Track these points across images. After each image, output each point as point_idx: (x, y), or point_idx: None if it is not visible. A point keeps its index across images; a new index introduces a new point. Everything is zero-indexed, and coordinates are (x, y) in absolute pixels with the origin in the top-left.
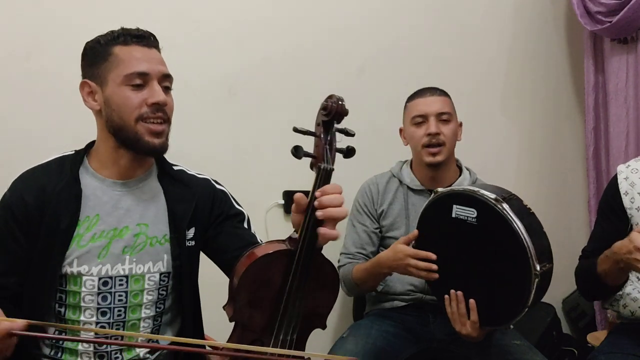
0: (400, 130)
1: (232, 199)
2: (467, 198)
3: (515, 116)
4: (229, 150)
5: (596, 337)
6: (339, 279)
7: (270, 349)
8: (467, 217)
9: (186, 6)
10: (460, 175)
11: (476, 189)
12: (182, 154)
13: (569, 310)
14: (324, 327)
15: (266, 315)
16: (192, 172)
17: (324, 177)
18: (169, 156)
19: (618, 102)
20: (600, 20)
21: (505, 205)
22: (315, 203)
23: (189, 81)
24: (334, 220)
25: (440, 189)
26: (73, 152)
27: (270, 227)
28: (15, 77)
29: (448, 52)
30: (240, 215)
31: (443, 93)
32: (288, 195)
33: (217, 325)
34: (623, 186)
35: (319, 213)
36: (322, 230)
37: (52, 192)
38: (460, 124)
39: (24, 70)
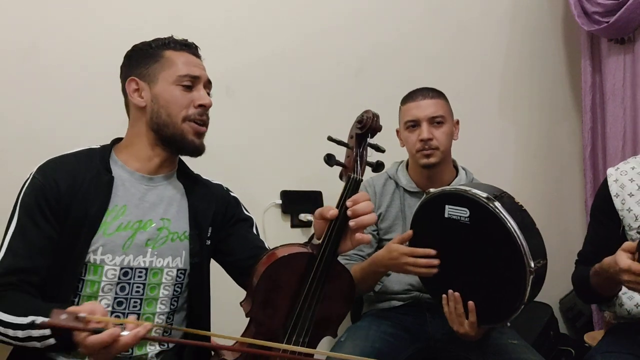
0: (397, 131)
1: (242, 206)
2: (459, 198)
3: (512, 116)
4: (226, 150)
5: (593, 337)
6: (355, 289)
7: (289, 347)
8: (460, 216)
9: (183, 6)
10: (456, 176)
11: (468, 188)
12: None
13: (566, 310)
14: (335, 335)
15: (281, 316)
16: (206, 177)
17: (352, 187)
18: None
19: (615, 102)
20: (597, 20)
21: (497, 204)
22: (349, 212)
23: None
24: (363, 227)
25: (432, 190)
26: (98, 146)
27: (268, 227)
28: (14, 76)
29: (445, 52)
30: (249, 221)
31: (436, 94)
32: (285, 195)
33: (224, 326)
34: (613, 189)
35: (352, 223)
36: (359, 236)
37: (84, 179)
38: (457, 122)
39: (23, 68)
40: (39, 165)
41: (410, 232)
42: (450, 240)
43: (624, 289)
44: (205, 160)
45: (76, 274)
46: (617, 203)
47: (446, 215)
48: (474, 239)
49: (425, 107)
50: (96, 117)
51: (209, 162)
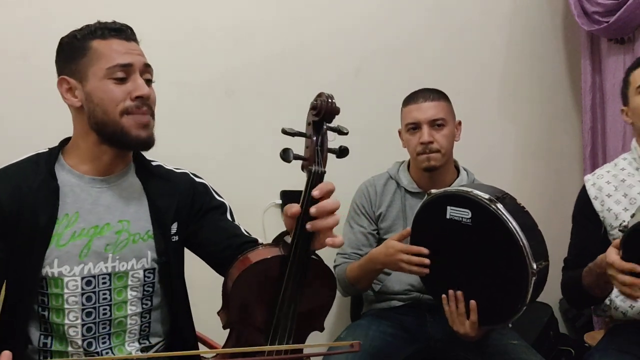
0: (399, 131)
1: (212, 191)
2: (461, 199)
3: (512, 116)
4: (226, 150)
5: (593, 337)
6: (336, 281)
7: (269, 347)
8: (462, 218)
9: (183, 6)
10: (457, 177)
11: (469, 189)
12: (179, 154)
13: (566, 310)
14: (321, 329)
15: (261, 321)
16: (170, 167)
17: (315, 180)
18: (165, 155)
19: (615, 102)
20: (597, 20)
21: (499, 205)
22: (312, 210)
23: (185, 81)
24: (329, 229)
25: (433, 191)
26: (47, 149)
27: (268, 227)
28: (11, 77)
29: (445, 53)
30: (222, 207)
31: (437, 96)
32: (286, 195)
33: (211, 327)
34: (592, 192)
35: (308, 226)
36: (329, 240)
37: (29, 190)
38: (459, 123)
39: (20, 69)
40: None
41: (408, 229)
42: (452, 241)
43: (614, 292)
44: (205, 160)
45: (34, 289)
46: (596, 205)
47: (448, 216)
48: (476, 241)
49: (426, 110)
50: None
51: (209, 162)
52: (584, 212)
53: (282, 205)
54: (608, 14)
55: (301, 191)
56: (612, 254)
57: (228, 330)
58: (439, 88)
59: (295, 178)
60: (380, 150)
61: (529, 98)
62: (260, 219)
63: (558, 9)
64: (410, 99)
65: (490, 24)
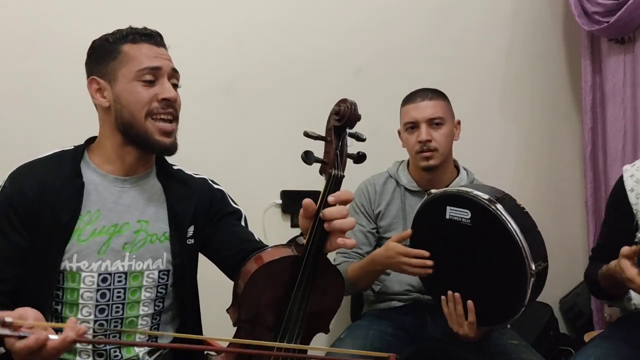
0: (399, 131)
1: (229, 198)
2: (461, 199)
3: (513, 116)
4: (226, 150)
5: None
6: (344, 283)
7: (280, 344)
8: (461, 218)
9: (185, 7)
10: (457, 176)
11: (469, 189)
12: (179, 154)
13: (566, 310)
14: (327, 331)
15: (271, 321)
16: (189, 172)
17: (334, 184)
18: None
19: (615, 102)
20: (597, 20)
21: (499, 206)
22: (321, 215)
23: (186, 81)
24: (342, 231)
25: (433, 191)
26: (72, 147)
27: (268, 227)
28: (11, 77)
29: (446, 53)
30: (237, 213)
31: (435, 95)
32: (286, 195)
33: (217, 327)
34: (629, 183)
35: (325, 225)
36: (340, 241)
37: (53, 185)
38: (459, 122)
39: (21, 69)
40: (10, 172)
41: (409, 231)
42: (451, 241)
43: None
44: (206, 160)
45: (52, 282)
46: (631, 197)
47: (447, 217)
48: (475, 241)
49: (424, 109)
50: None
51: (210, 162)
52: (618, 203)
53: (282, 205)
54: (608, 14)
55: (301, 191)
56: (629, 269)
57: (235, 328)
58: (440, 88)
59: (295, 178)
60: (380, 150)
61: (529, 98)
62: (260, 219)
63: (558, 9)
64: (409, 99)
65: (491, 24)
